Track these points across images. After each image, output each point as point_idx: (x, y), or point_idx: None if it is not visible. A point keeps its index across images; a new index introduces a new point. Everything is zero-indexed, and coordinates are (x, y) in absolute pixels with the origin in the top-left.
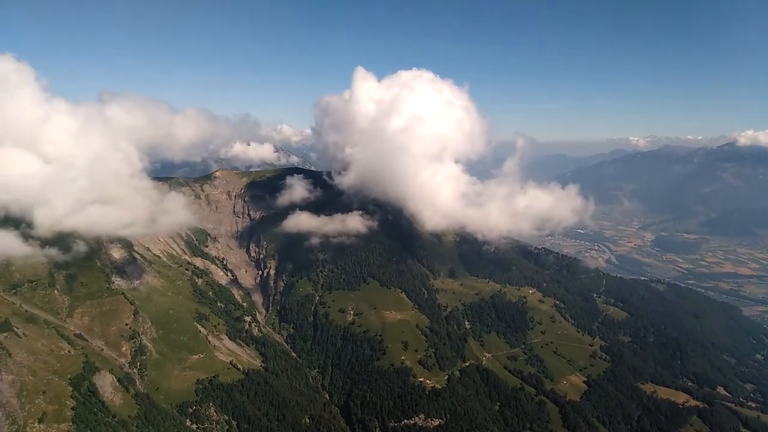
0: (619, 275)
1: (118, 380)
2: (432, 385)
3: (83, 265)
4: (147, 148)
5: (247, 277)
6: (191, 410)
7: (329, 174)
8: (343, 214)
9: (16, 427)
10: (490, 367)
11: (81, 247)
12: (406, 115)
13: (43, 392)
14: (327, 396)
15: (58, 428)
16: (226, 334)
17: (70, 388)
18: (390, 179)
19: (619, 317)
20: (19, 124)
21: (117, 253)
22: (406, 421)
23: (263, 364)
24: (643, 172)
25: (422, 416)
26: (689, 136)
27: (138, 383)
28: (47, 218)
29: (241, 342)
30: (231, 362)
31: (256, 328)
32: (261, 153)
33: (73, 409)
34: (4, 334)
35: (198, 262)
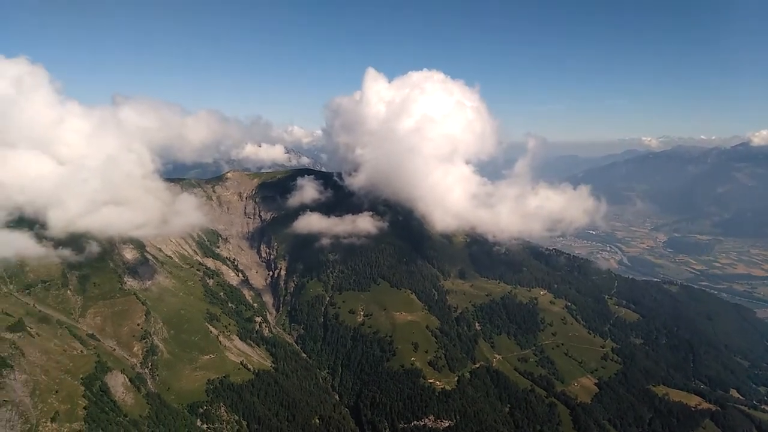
0: (631, 276)
1: (130, 380)
2: (442, 386)
3: (96, 265)
4: (159, 150)
5: (258, 278)
6: (202, 410)
7: (340, 175)
8: (353, 215)
9: (29, 425)
10: (501, 368)
11: (94, 248)
12: (417, 116)
13: (56, 391)
14: (337, 397)
15: (70, 427)
16: (237, 335)
17: (83, 388)
18: (400, 180)
19: (631, 319)
20: (34, 126)
21: (129, 254)
22: (415, 422)
23: (273, 365)
24: (655, 173)
25: (432, 417)
26: (703, 136)
27: (149, 383)
28: (61, 219)
29: (251, 342)
30: (241, 362)
31: (267, 328)
32: (272, 154)
33: (85, 408)
34: (18, 334)
35: (209, 262)
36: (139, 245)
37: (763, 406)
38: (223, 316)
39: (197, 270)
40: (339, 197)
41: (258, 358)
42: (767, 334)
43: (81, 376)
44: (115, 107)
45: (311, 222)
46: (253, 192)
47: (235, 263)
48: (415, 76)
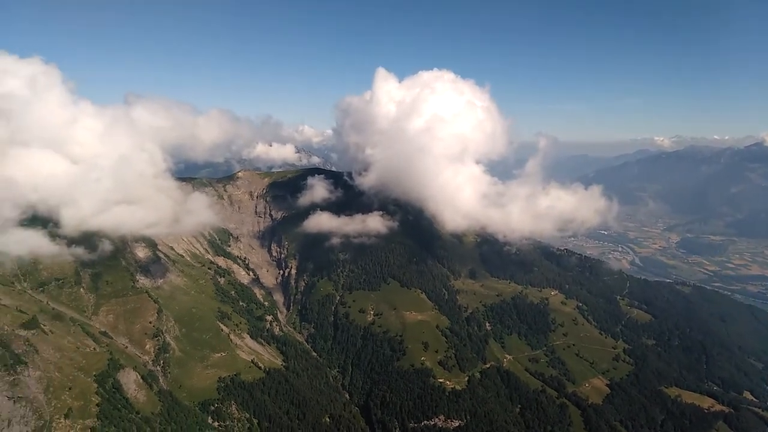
0: (643, 277)
1: (142, 377)
2: (452, 386)
3: (108, 263)
4: (171, 149)
5: (269, 277)
6: (213, 408)
7: (350, 174)
8: (363, 214)
9: (43, 422)
10: (511, 369)
11: (106, 246)
12: (427, 115)
13: (69, 388)
14: (347, 396)
15: (84, 424)
16: (248, 333)
17: (95, 385)
18: (411, 180)
19: (643, 320)
20: (47, 125)
21: (141, 253)
22: (425, 422)
23: (284, 363)
24: (668, 173)
25: (442, 417)
26: (716, 136)
27: (161, 380)
28: (74, 218)
29: (262, 341)
30: (252, 361)
31: (278, 327)
32: (283, 153)
33: (97, 405)
34: (32, 331)
35: (221, 261)
36: (151, 244)
37: None
38: (234, 314)
39: (208, 268)
40: (349, 197)
41: (269, 356)
42: None
43: (94, 373)
44: (128, 106)
45: (321, 221)
46: (264, 191)
47: (246, 262)
48: (426, 76)
